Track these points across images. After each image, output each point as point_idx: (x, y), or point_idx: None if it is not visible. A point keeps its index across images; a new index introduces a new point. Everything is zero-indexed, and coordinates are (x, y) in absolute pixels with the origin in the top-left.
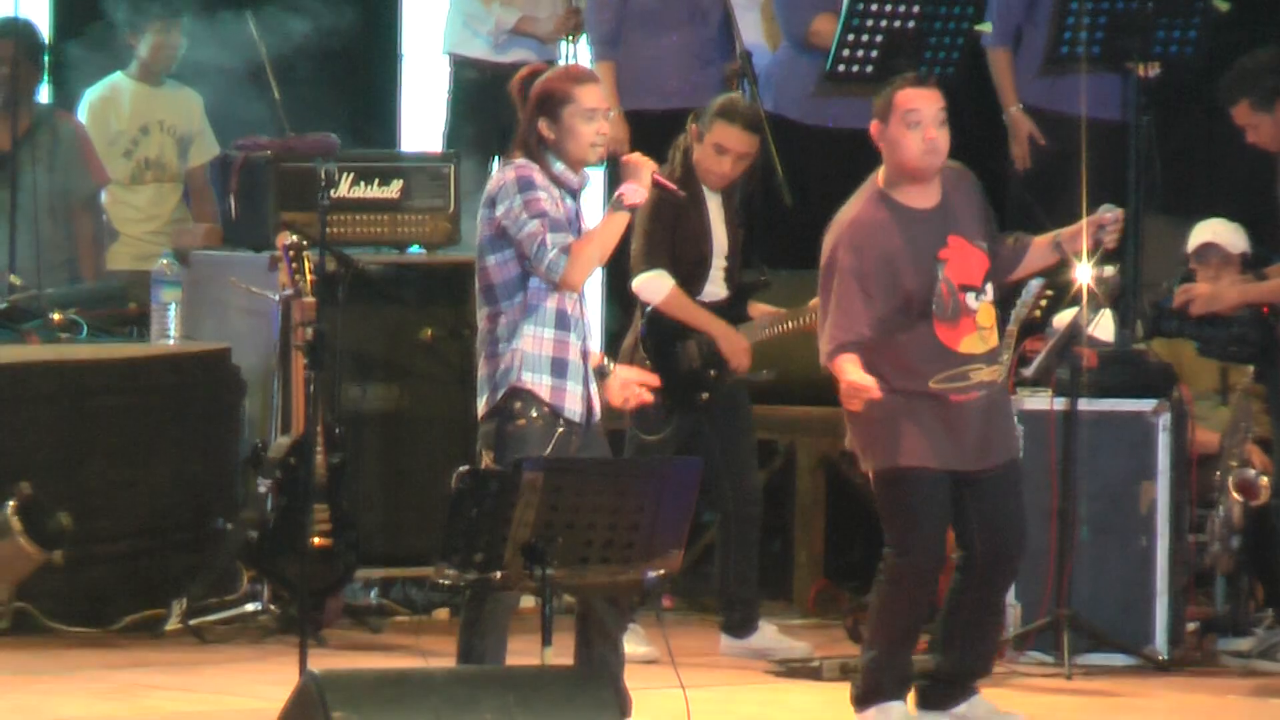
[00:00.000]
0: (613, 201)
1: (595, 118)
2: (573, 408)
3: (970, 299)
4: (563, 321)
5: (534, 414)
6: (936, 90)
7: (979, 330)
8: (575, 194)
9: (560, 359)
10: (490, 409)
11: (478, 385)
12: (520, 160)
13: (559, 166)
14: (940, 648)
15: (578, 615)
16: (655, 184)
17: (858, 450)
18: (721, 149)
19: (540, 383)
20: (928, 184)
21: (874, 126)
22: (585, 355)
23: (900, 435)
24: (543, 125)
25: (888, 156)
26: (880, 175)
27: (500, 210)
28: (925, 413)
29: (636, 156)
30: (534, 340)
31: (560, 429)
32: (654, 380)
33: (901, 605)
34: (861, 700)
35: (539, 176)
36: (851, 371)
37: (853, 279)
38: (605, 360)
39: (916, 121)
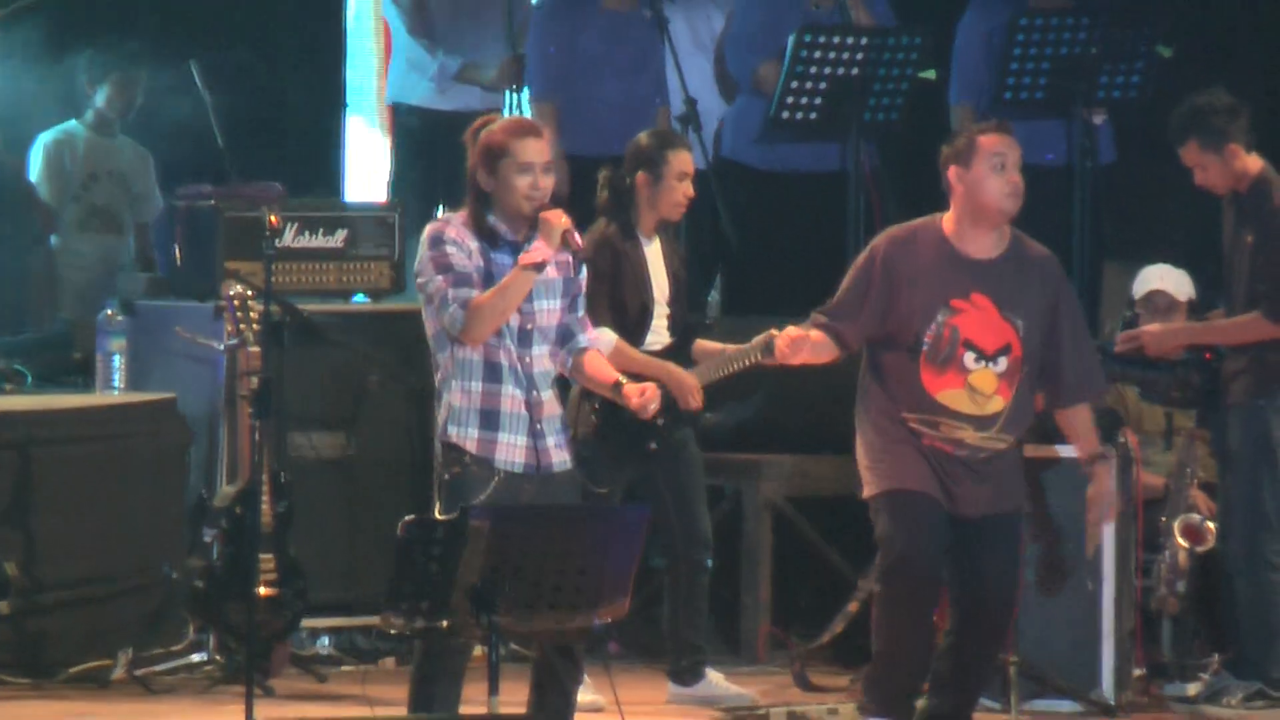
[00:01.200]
0: (518, 259)
1: (530, 171)
2: (507, 458)
3: (970, 358)
4: (493, 374)
5: (466, 461)
6: (1014, 136)
7: (968, 390)
8: (514, 247)
9: (491, 410)
10: (436, 459)
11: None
12: (444, 214)
13: (491, 219)
14: (930, 690)
15: (534, 662)
16: (565, 240)
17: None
18: (683, 174)
19: (466, 436)
20: (994, 236)
21: (952, 170)
22: (532, 406)
23: (891, 461)
24: (481, 176)
25: (964, 199)
26: (947, 218)
27: (417, 266)
28: (905, 441)
29: (551, 214)
30: (461, 394)
31: (497, 478)
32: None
33: (892, 620)
34: (861, 713)
35: (451, 230)
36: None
37: (864, 281)
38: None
39: (1002, 165)
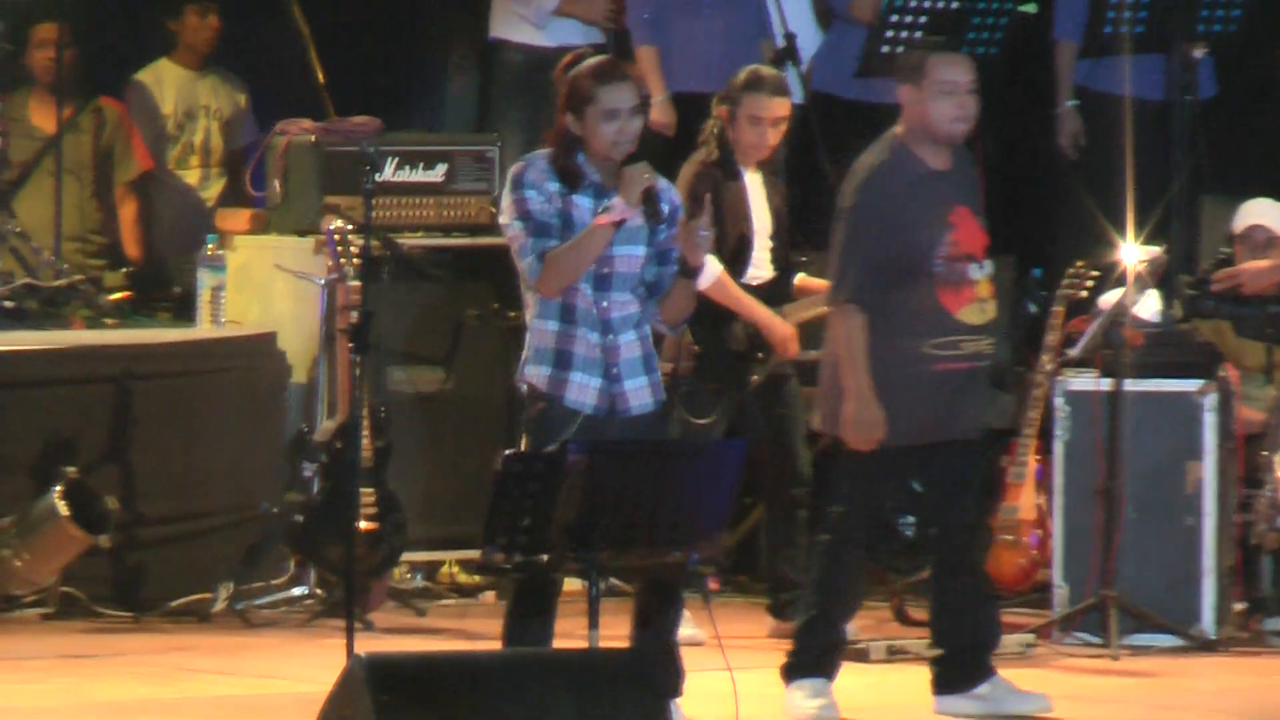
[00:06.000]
0: (597, 215)
1: (616, 118)
2: (576, 398)
3: (972, 269)
4: (568, 315)
5: (543, 404)
6: (969, 59)
7: (978, 301)
8: (598, 188)
9: (564, 351)
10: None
11: None
12: (532, 153)
13: (580, 158)
14: (942, 630)
15: (636, 597)
16: (648, 199)
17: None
18: (755, 119)
19: (540, 375)
20: (945, 149)
21: (903, 90)
22: (609, 350)
23: (883, 408)
24: (569, 120)
25: (914, 118)
26: (900, 130)
27: (501, 206)
28: (905, 383)
29: (634, 169)
30: (539, 333)
31: (581, 417)
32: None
33: (843, 564)
34: (790, 671)
35: (532, 173)
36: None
37: (868, 230)
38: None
39: (950, 91)
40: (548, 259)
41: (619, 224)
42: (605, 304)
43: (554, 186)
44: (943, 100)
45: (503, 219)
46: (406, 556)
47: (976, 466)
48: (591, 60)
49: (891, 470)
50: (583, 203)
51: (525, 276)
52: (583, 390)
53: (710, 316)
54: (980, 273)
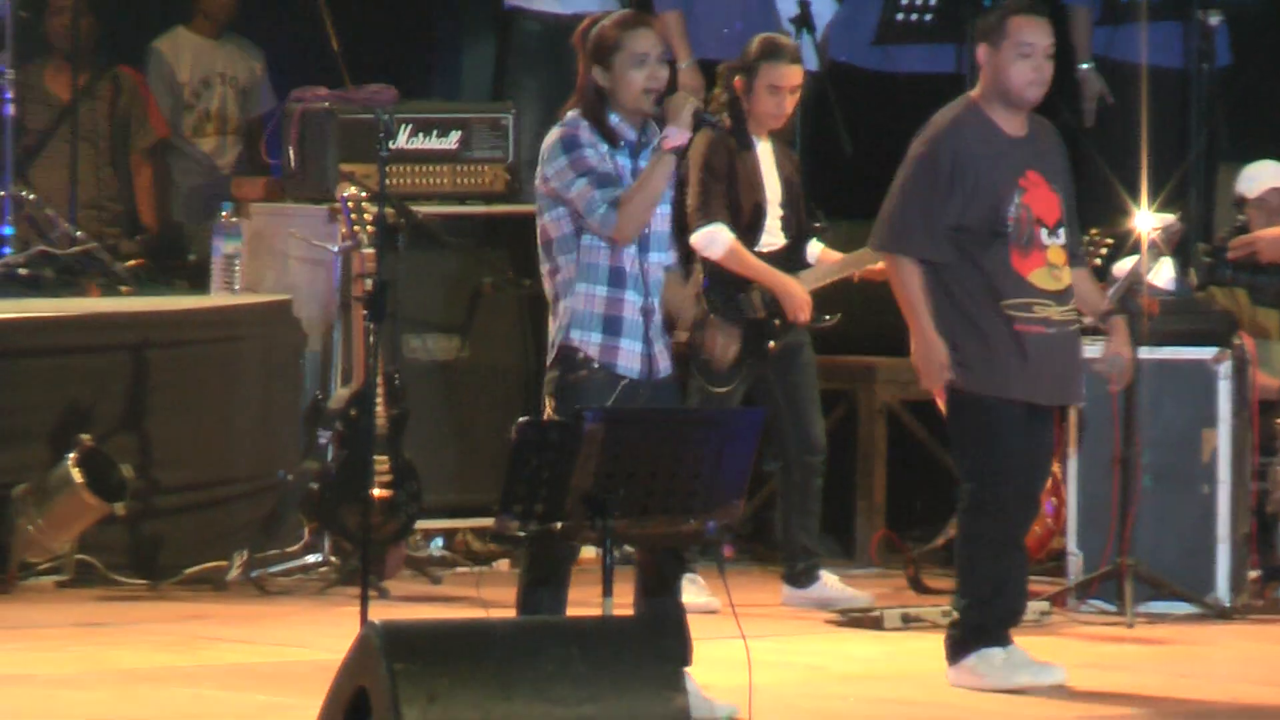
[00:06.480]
0: (655, 147)
1: (645, 63)
2: (627, 364)
3: (1044, 234)
4: (617, 279)
5: (593, 367)
6: (1048, 21)
7: (1049, 267)
8: (632, 148)
9: (613, 316)
10: (551, 361)
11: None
12: (569, 116)
13: (614, 119)
14: (966, 594)
15: (637, 565)
16: (698, 120)
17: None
18: (774, 88)
19: (589, 340)
20: (1020, 114)
21: (981, 49)
22: (647, 313)
23: (973, 361)
24: (597, 74)
25: (989, 79)
26: (976, 93)
27: (550, 171)
28: (997, 339)
29: (678, 96)
30: (586, 298)
31: (621, 385)
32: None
33: (985, 542)
34: (957, 648)
35: (584, 134)
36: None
37: (929, 184)
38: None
39: (1029, 53)
40: (621, 202)
41: (681, 150)
42: (646, 265)
43: (604, 147)
44: (1020, 62)
45: (554, 184)
46: (422, 524)
47: (1049, 438)
48: (613, 13)
49: (1006, 426)
50: (622, 162)
51: (599, 229)
52: (630, 356)
53: (727, 285)
54: (1051, 239)
